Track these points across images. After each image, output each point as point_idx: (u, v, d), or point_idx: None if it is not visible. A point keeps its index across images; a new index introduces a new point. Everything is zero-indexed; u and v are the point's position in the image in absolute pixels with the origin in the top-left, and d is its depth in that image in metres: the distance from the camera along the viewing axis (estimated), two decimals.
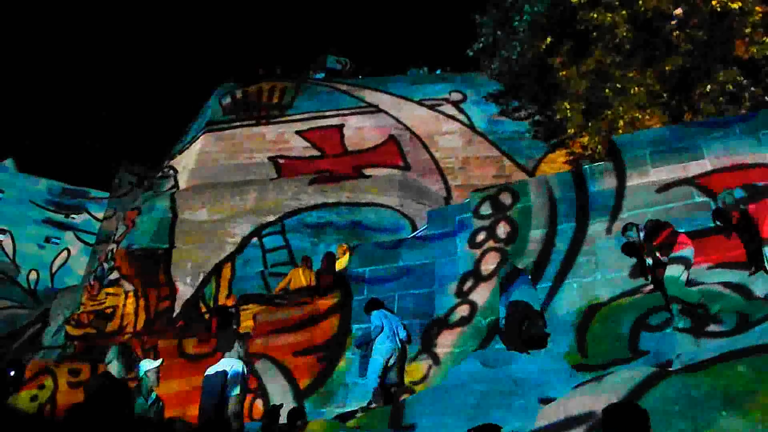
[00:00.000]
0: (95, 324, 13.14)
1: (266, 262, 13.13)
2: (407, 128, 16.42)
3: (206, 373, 5.64)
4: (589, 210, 8.00)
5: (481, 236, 8.65)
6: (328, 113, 17.11)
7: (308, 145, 16.51)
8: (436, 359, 7.87)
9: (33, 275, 22.92)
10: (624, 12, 12.00)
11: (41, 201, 24.44)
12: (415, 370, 7.92)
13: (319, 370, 8.75)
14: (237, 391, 5.09)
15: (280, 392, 8.63)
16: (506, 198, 8.80)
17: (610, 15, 12.01)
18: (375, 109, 17.07)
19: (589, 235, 7.83)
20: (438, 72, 19.12)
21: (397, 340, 7.80)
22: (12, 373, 12.29)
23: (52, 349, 15.09)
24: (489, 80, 16.57)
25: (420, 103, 16.92)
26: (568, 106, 12.87)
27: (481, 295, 8.15)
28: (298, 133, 16.81)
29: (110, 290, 13.63)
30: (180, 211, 14.72)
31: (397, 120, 16.65)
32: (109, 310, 13.25)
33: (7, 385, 11.16)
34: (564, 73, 12.96)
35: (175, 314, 12.78)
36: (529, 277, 7.62)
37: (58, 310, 17.56)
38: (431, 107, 16.72)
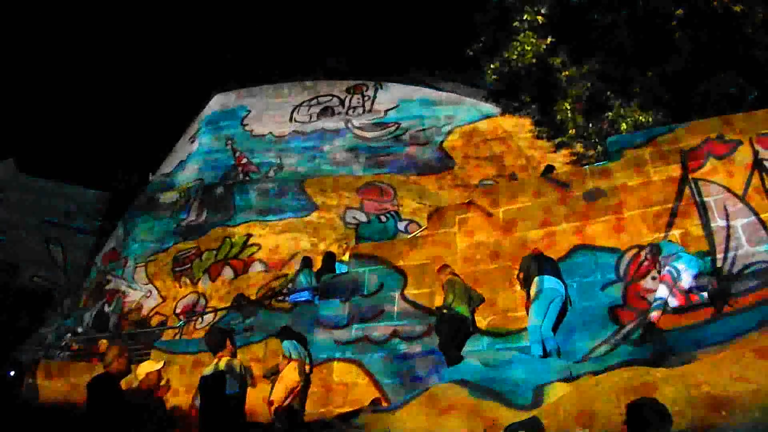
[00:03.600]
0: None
1: None
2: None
3: (203, 373, 5.58)
4: None
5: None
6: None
7: None
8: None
9: None
10: (624, 12, 11.98)
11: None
12: None
13: None
14: (236, 389, 5.05)
15: None
16: None
17: (611, 15, 12.00)
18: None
19: None
20: (437, 72, 19.09)
21: None
22: (11, 374, 12.21)
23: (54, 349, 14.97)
24: (489, 80, 16.54)
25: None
26: (568, 107, 12.84)
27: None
28: None
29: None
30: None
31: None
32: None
33: (7, 386, 11.06)
34: (565, 73, 12.94)
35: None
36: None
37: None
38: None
